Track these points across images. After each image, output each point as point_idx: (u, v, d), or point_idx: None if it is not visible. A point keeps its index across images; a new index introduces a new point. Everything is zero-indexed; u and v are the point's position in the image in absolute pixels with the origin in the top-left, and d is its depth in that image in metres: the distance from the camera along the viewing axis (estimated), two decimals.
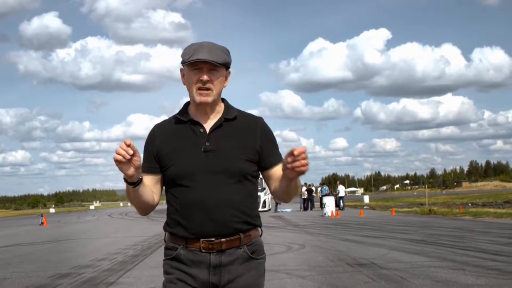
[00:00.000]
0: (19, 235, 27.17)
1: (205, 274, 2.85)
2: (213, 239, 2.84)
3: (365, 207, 45.59)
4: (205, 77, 2.85)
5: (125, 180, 2.80)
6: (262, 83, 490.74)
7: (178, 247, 2.90)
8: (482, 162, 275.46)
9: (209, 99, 2.88)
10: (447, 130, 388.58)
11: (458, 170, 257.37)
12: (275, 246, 15.04)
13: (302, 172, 2.70)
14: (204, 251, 2.85)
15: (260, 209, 42.30)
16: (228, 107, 3.04)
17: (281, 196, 2.99)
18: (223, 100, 3.06)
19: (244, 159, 2.89)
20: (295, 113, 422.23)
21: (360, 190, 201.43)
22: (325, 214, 32.98)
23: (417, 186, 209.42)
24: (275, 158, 3.00)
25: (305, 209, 44.30)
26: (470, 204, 43.14)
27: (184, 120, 2.97)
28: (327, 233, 19.37)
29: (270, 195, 47.52)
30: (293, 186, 2.88)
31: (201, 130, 2.93)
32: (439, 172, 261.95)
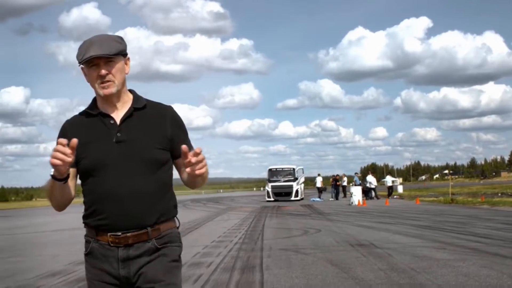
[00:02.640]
0: (67, 220, 29.21)
1: (115, 268, 2.88)
2: (119, 233, 2.85)
3: (394, 197, 46.96)
4: (102, 72, 2.85)
5: (53, 177, 2.78)
6: (301, 72, 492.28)
7: (91, 240, 2.94)
8: None
9: (113, 90, 2.89)
10: (488, 119, 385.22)
11: (499, 160, 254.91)
12: (294, 231, 16.82)
13: (199, 175, 2.77)
14: (112, 245, 2.86)
15: (292, 198, 44.05)
16: (136, 97, 3.05)
17: (189, 185, 3.06)
18: (131, 91, 3.07)
19: (156, 147, 2.89)
20: (334, 102, 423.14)
21: (399, 180, 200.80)
22: (352, 203, 34.50)
23: (456, 176, 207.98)
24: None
25: (336, 198, 45.80)
26: (500, 194, 44.02)
27: (94, 114, 2.97)
28: (346, 220, 21.02)
29: (302, 185, 49.22)
30: (198, 180, 2.94)
31: (111, 121, 2.93)
32: (480, 161, 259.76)
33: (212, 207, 39.23)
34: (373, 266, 9.27)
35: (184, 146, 2.69)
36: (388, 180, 48.46)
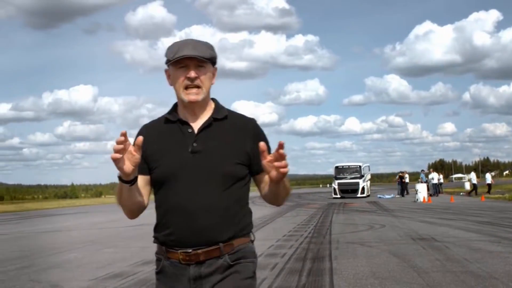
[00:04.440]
0: (144, 217, 30.92)
1: (187, 287, 2.75)
2: (190, 250, 2.71)
3: (461, 194, 47.21)
4: (192, 74, 2.72)
5: (120, 178, 2.66)
6: (367, 67, 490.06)
7: (162, 258, 2.82)
8: None
9: (199, 97, 2.76)
10: None
11: None
12: (360, 226, 17.93)
13: (284, 174, 2.59)
14: (183, 262, 2.73)
15: (359, 195, 44.89)
16: (218, 106, 2.89)
17: (272, 200, 2.87)
18: (213, 100, 2.92)
19: (233, 161, 2.73)
20: (401, 98, 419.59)
21: (468, 177, 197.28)
22: (417, 200, 35.21)
23: None
24: None
25: (402, 195, 46.37)
26: None
27: (173, 120, 2.84)
28: (410, 216, 21.96)
29: (369, 182, 49.98)
30: (281, 189, 2.74)
31: (189, 130, 2.79)
32: None
33: None
34: (431, 257, 10.34)
35: (262, 143, 2.55)
36: (488, 177, 48.37)
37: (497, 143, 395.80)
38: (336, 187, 46.93)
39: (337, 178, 47.50)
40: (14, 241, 18.42)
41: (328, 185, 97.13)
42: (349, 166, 49.14)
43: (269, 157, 2.55)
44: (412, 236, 14.12)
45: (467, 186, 62.68)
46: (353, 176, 47.26)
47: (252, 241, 2.89)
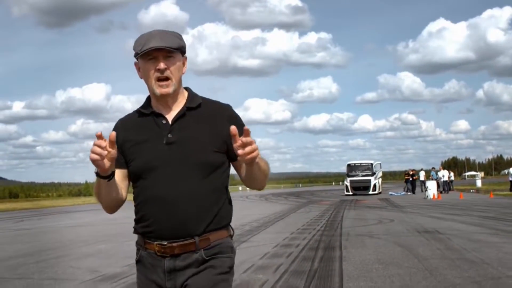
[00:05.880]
0: None
1: (162, 279, 2.75)
2: (165, 242, 2.70)
3: (471, 191, 47.98)
4: (162, 65, 2.70)
5: (97, 174, 2.66)
6: (380, 65, 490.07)
7: (140, 248, 2.82)
8: None
9: (170, 90, 2.74)
10: None
11: None
12: (370, 221, 18.91)
13: (251, 159, 2.54)
14: (158, 254, 2.74)
15: (370, 192, 45.79)
16: (191, 95, 2.88)
17: (250, 183, 2.85)
18: (186, 89, 2.91)
19: (209, 149, 2.68)
20: (414, 95, 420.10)
21: (481, 174, 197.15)
22: (427, 196, 36.05)
23: None
24: None
25: (413, 192, 47.17)
26: None
27: (146, 113, 2.84)
28: (418, 212, 22.90)
29: (380, 179, 50.87)
30: (256, 171, 2.70)
31: (164, 121, 2.78)
32: None
33: (293, 200, 41.35)
34: (433, 247, 11.31)
35: (233, 127, 2.50)
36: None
37: (511, 141, 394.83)
38: (348, 184, 47.93)
39: (349, 176, 48.50)
40: (42, 235, 19.47)
41: (341, 183, 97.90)
42: (361, 163, 50.12)
43: (239, 141, 2.50)
44: (417, 229, 15.07)
45: (478, 183, 63.41)
46: (364, 173, 48.21)
47: (231, 236, 2.90)
